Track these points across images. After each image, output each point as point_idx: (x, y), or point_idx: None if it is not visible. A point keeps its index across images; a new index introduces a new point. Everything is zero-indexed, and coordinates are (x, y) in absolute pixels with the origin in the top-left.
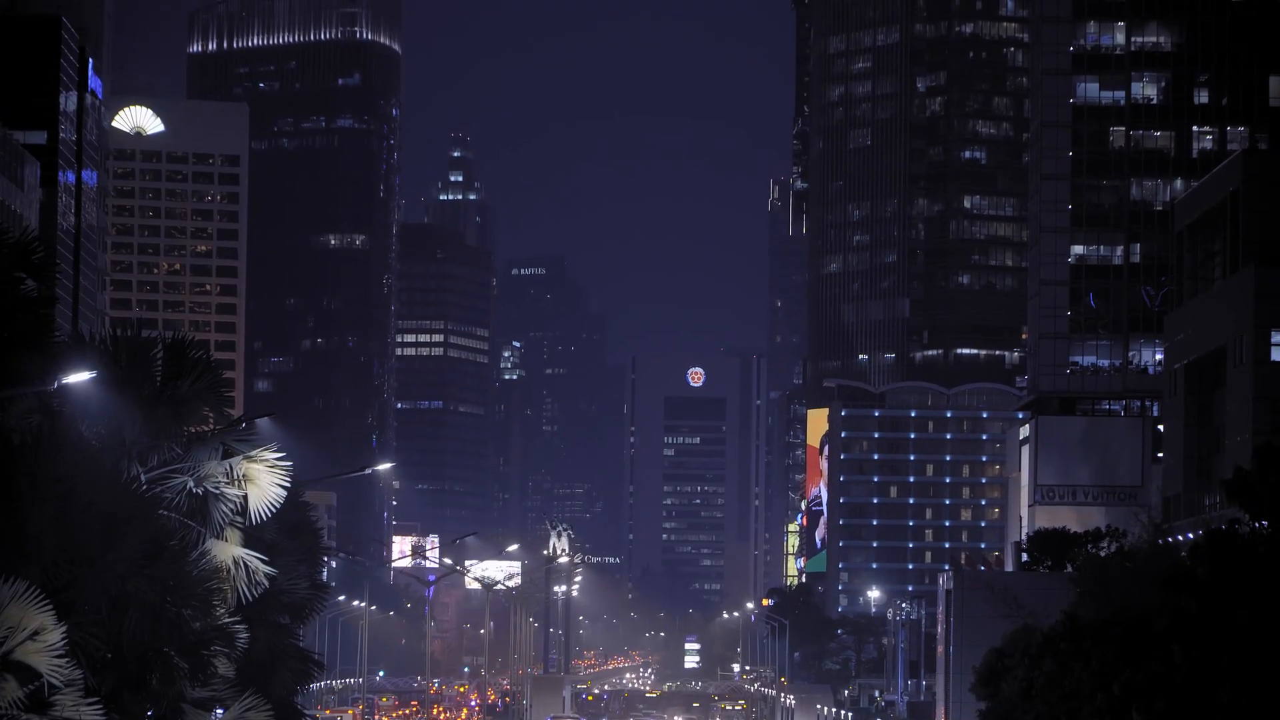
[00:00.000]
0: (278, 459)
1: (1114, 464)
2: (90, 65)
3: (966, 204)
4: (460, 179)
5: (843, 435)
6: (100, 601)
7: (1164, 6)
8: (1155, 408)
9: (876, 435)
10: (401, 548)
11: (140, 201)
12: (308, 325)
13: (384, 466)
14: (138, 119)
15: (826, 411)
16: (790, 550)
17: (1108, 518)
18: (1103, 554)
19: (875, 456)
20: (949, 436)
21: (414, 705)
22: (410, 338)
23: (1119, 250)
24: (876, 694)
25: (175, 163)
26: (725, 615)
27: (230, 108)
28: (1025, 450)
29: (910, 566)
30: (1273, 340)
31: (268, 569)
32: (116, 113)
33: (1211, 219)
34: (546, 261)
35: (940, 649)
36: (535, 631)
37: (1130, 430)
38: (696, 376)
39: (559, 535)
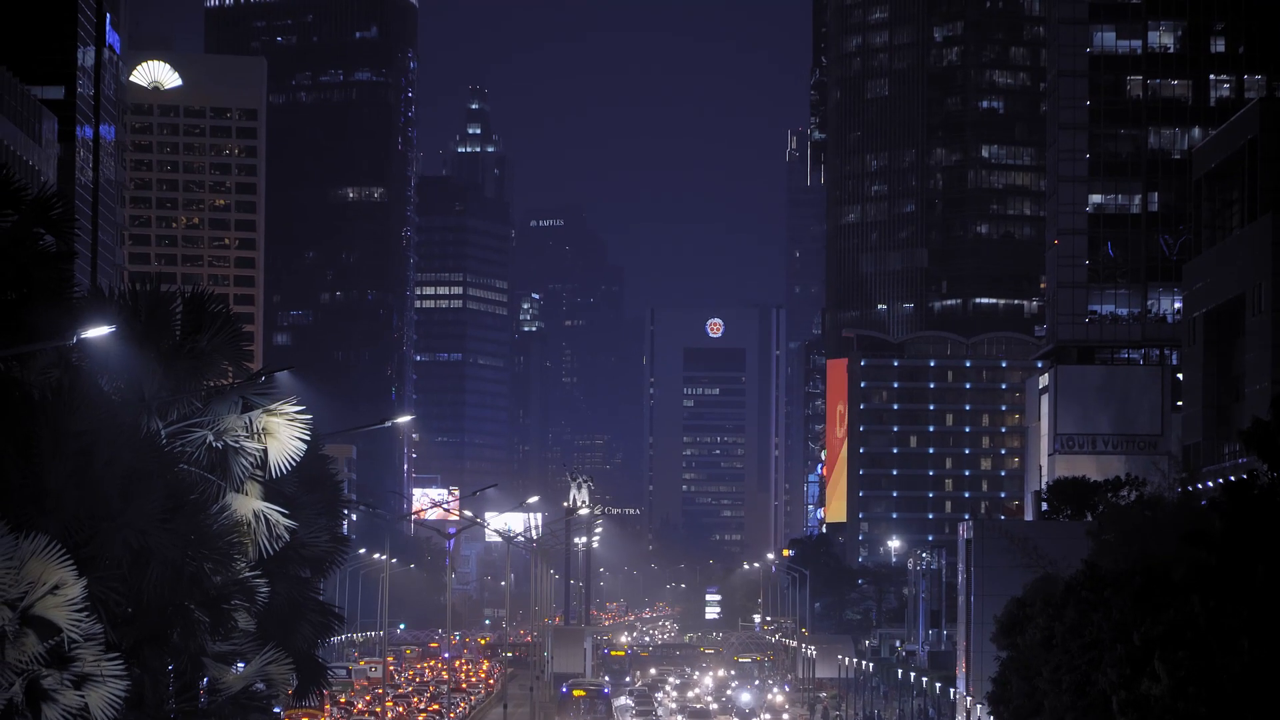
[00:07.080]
0: (297, 412)
1: (1133, 413)
2: (108, 20)
3: (984, 154)
4: (478, 131)
5: (862, 385)
6: (121, 556)
7: None
8: (1174, 356)
9: (896, 385)
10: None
11: (158, 156)
12: (326, 278)
13: (404, 419)
14: (155, 73)
15: (845, 362)
16: (816, 501)
17: (1127, 466)
18: (1123, 503)
19: (895, 406)
20: (968, 386)
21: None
22: (429, 290)
23: (1137, 199)
24: (897, 644)
25: (193, 117)
26: (746, 566)
27: (248, 62)
28: (1044, 399)
29: (930, 516)
30: None
31: (288, 522)
32: (134, 67)
33: (1229, 167)
34: (565, 213)
35: (961, 599)
36: (556, 583)
37: (1149, 379)
38: (715, 327)
39: (579, 487)
